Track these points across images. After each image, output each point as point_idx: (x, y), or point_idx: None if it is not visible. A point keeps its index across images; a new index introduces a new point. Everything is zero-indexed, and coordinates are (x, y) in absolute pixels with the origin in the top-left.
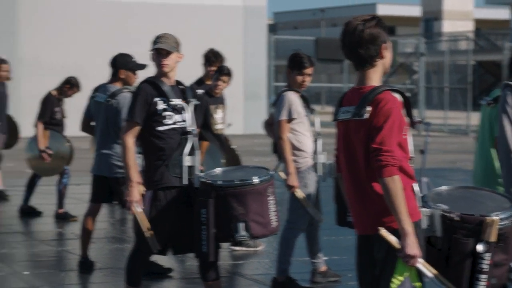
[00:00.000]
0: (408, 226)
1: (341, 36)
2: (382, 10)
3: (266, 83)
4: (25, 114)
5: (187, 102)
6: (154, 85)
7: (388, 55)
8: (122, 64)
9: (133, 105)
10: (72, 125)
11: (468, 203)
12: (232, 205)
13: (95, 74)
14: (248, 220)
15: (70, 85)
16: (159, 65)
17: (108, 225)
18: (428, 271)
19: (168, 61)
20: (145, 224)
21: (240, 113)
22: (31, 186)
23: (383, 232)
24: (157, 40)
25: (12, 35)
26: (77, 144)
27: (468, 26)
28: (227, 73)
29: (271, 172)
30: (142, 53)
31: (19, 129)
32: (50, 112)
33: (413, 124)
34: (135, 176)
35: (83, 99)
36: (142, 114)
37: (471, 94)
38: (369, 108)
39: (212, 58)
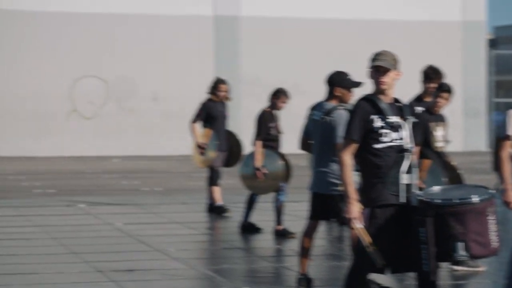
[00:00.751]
0: None
1: None
2: None
3: (486, 100)
4: (245, 132)
5: (405, 120)
6: (371, 102)
7: None
8: (337, 81)
9: (351, 123)
10: (290, 143)
11: None
12: (450, 224)
13: (313, 92)
14: (468, 239)
15: (276, 96)
16: (377, 83)
17: (326, 242)
18: None
19: (386, 79)
20: (367, 239)
21: (459, 130)
22: (250, 203)
23: None
24: (376, 57)
25: (234, 56)
26: (295, 161)
27: None
28: (447, 90)
29: (491, 191)
30: (358, 71)
31: (242, 146)
32: (265, 129)
33: None
34: (353, 193)
35: (300, 118)
36: (359, 131)
37: None
38: None
39: (432, 74)
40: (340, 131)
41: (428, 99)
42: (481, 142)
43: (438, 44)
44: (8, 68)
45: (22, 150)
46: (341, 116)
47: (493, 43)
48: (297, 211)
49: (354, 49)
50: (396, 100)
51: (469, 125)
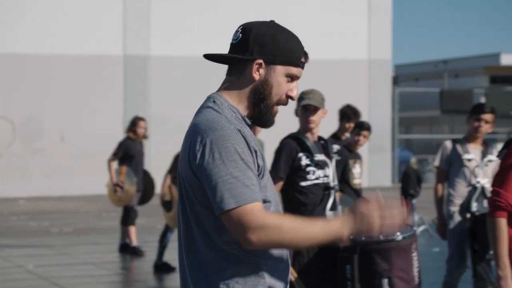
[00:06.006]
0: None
1: None
2: (506, 60)
3: (391, 136)
4: (154, 171)
5: (329, 158)
6: (298, 140)
7: None
8: None
9: (277, 160)
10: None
11: None
12: (376, 261)
13: None
14: (392, 276)
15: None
16: (306, 121)
17: None
18: None
19: (315, 117)
20: (293, 276)
21: (364, 166)
22: (163, 242)
23: None
24: (304, 96)
25: (143, 94)
26: None
27: None
28: (368, 128)
29: (414, 228)
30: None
31: (155, 185)
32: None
33: None
34: None
35: None
36: (286, 169)
37: None
38: None
39: (351, 114)
40: None
41: (344, 137)
42: (385, 177)
43: (345, 82)
44: None
45: None
46: None
47: (395, 81)
48: None
49: None
50: (321, 138)
51: (374, 161)
